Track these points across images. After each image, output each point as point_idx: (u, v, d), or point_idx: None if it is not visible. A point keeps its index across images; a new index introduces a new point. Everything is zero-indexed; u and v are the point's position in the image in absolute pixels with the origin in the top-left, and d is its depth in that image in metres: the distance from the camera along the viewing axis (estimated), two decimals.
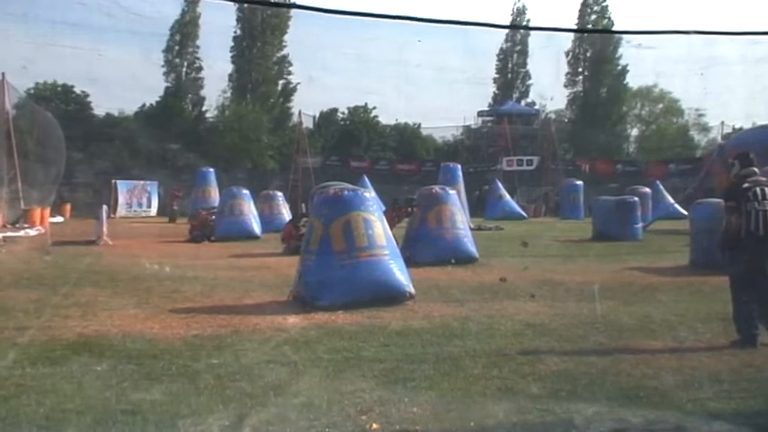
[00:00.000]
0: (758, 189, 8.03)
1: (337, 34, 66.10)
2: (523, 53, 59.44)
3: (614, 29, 57.64)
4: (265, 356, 7.33)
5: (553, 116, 58.93)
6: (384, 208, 16.20)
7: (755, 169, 8.29)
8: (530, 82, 59.72)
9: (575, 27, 58.46)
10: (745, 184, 8.09)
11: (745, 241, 7.93)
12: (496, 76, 59.17)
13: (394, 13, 7.49)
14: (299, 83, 54.21)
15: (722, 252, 8.40)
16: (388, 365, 6.94)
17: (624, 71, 56.57)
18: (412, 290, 10.62)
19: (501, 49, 59.13)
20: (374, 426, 5.26)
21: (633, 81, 57.57)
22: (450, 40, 58.82)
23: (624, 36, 57.58)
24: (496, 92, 59.33)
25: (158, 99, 51.50)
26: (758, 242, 7.91)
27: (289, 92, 54.69)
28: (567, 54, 57.61)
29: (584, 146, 53.73)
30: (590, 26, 55.59)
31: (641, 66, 66.21)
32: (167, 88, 51.93)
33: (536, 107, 59.10)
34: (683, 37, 7.66)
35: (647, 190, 33.95)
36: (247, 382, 6.33)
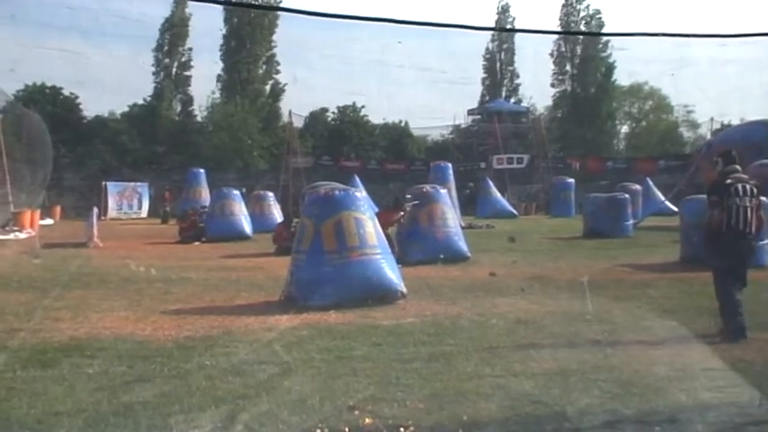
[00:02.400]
0: (740, 186, 8.38)
1: (321, 35, 66.30)
2: (510, 51, 59.59)
3: (599, 30, 57.56)
4: (257, 357, 7.32)
5: (543, 112, 59.11)
6: (376, 208, 16.20)
7: (738, 167, 8.64)
8: (518, 81, 59.99)
9: (558, 27, 58.69)
10: (728, 181, 8.42)
11: (727, 235, 8.28)
12: (484, 75, 59.30)
13: (374, 15, 7.41)
14: (285, 84, 54.26)
15: (705, 246, 8.71)
16: (381, 364, 6.94)
17: (612, 68, 56.74)
18: (403, 288, 10.63)
19: (487, 49, 59.34)
20: (367, 421, 5.27)
21: (621, 78, 57.89)
22: (430, 41, 59.22)
23: (610, 38, 57.52)
24: (484, 92, 59.49)
25: (147, 99, 51.31)
26: (738, 236, 8.29)
27: (277, 92, 54.65)
28: (551, 54, 57.87)
29: (574, 143, 53.85)
30: (574, 25, 55.87)
31: (628, 63, 66.69)
32: (156, 89, 51.77)
33: (524, 105, 59.24)
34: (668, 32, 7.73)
35: (638, 187, 34.08)
36: (239, 381, 6.31)
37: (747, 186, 8.41)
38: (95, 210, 23.98)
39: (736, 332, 7.92)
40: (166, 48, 52.32)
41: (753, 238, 8.56)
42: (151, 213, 41.25)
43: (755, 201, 8.44)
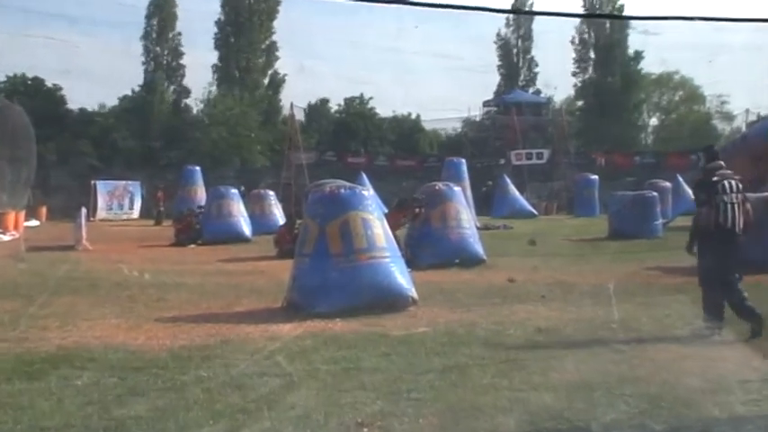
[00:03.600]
0: (726, 182, 8.80)
1: (327, 20, 66.23)
2: (528, 38, 59.50)
3: (623, 14, 57.40)
4: (258, 368, 7.33)
5: (564, 104, 58.97)
6: (384, 208, 16.22)
7: (721, 162, 9.09)
8: (536, 69, 59.88)
9: (581, 11, 58.48)
10: (715, 178, 8.85)
11: (715, 233, 8.70)
12: (500, 63, 59.18)
13: None
14: (286, 74, 54.29)
15: (691, 244, 9.08)
16: (390, 376, 6.95)
17: (639, 56, 56.58)
18: (415, 294, 10.63)
19: (501, 35, 59.25)
20: None
21: (649, 67, 57.72)
22: (448, 26, 58.87)
23: (631, 22, 57.37)
24: (501, 82, 59.37)
25: (137, 90, 51.31)
26: (726, 233, 8.70)
27: (278, 82, 54.66)
28: (573, 40, 57.72)
29: (599, 137, 53.71)
30: (598, 11, 55.63)
31: (657, 50, 66.43)
32: (146, 78, 51.80)
33: (544, 95, 59.09)
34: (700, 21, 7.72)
35: (667, 184, 33.93)
36: (239, 395, 6.33)
37: (733, 182, 8.82)
38: (84, 210, 24.05)
39: (712, 330, 8.50)
40: (155, 35, 52.34)
41: (741, 234, 8.84)
42: (144, 214, 41.39)
43: (741, 196, 8.83)
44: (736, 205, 8.74)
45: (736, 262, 8.81)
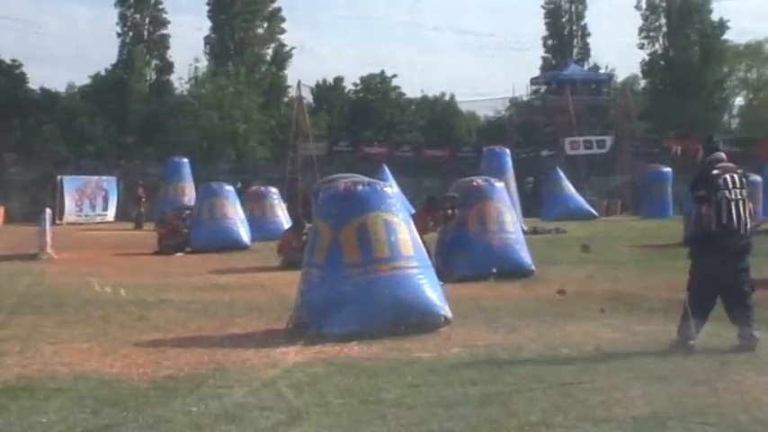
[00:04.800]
0: (728, 176, 9.10)
1: None
2: (581, 1, 59.40)
3: None
4: (258, 400, 7.35)
5: (628, 82, 58.75)
6: (411, 208, 16.20)
7: (722, 154, 9.46)
8: (589, 40, 59.76)
9: None
10: (714, 171, 9.15)
11: (717, 234, 8.99)
12: (546, 34, 59.05)
13: None
14: (293, 48, 54.33)
15: (690, 245, 9.58)
16: (419, 412, 6.94)
17: (723, 24, 56.23)
18: (448, 312, 10.62)
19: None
20: None
21: (733, 36, 57.42)
22: None
23: None
24: (548, 56, 59.21)
25: (111, 66, 51.44)
26: (730, 235, 8.99)
27: (283, 57, 54.71)
28: (638, 5, 57.53)
29: (671, 121, 53.44)
30: None
31: (742, 17, 66.04)
32: (123, 53, 51.97)
33: (604, 70, 58.84)
34: None
35: (757, 178, 33.60)
36: None
37: (736, 176, 9.14)
38: (49, 212, 24.21)
39: (681, 344, 8.98)
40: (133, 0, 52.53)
41: (747, 235, 9.12)
42: (120, 216, 41.63)
43: (745, 192, 9.18)
44: (740, 202, 9.01)
45: (746, 269, 9.14)
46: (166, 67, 53.93)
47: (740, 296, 9.12)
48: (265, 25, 54.25)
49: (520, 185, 32.86)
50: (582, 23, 59.62)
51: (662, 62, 57.21)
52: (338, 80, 55.01)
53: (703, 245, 9.22)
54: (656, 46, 57.86)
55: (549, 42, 59.44)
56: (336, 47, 73.37)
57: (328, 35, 78.62)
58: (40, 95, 49.84)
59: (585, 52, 59.92)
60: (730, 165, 9.32)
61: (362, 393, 7.53)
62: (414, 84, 60.80)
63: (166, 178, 38.06)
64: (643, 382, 7.81)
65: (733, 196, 8.99)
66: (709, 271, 9.04)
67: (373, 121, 53.07)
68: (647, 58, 58.12)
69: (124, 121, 49.49)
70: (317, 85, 54.23)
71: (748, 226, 9.08)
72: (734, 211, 8.96)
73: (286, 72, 54.15)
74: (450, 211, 16.39)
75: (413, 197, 27.03)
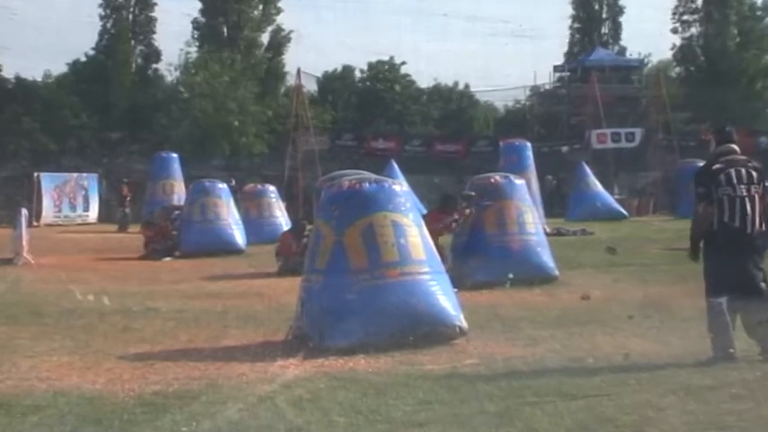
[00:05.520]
0: (732, 171, 9.07)
1: None
2: None
3: None
4: (254, 418, 7.37)
5: (661, 69, 58.64)
6: (423, 209, 16.18)
7: (734, 146, 9.40)
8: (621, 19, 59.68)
9: None
10: (716, 165, 9.18)
11: (719, 235, 8.97)
12: (572, 16, 59.03)
13: None
14: (291, 31, 54.30)
15: (694, 249, 9.44)
16: (431, 429, 6.96)
17: (765, 7, 56.17)
18: (463, 322, 10.62)
19: None
20: None
21: None
22: None
23: None
24: (573, 41, 59.14)
25: (93, 52, 51.43)
26: (734, 236, 8.93)
27: (281, 42, 54.68)
28: None
29: (709, 111, 53.26)
30: None
31: None
32: (105, 37, 51.94)
33: (635, 56, 58.77)
34: None
35: None
36: None
37: (743, 171, 9.05)
38: (24, 212, 24.27)
39: (720, 357, 8.80)
40: None
41: (757, 236, 8.95)
42: (103, 217, 41.67)
43: (757, 188, 9.02)
44: (747, 199, 8.92)
45: (758, 269, 9.00)
46: (153, 54, 53.87)
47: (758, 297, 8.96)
48: (261, 7, 54.18)
49: (542, 182, 32.81)
50: (608, 5, 59.52)
51: (698, 48, 57.09)
52: (347, 68, 54.86)
53: (707, 246, 9.18)
54: (692, 30, 57.81)
55: (575, 25, 59.33)
56: (337, 33, 73.25)
57: (329, 21, 78.67)
58: (15, 85, 49.85)
59: (616, 34, 59.80)
60: (741, 158, 9.27)
61: (369, 411, 7.54)
62: (423, 73, 60.71)
63: (153, 175, 37.91)
64: (678, 397, 7.81)
65: (738, 193, 8.93)
66: (717, 277, 9.00)
67: (382, 112, 52.99)
68: (679, 42, 58.08)
69: (107, 111, 49.45)
70: (324, 76, 54.12)
71: (757, 225, 8.94)
72: (738, 210, 8.89)
73: (284, 58, 54.19)
74: (466, 211, 16.39)
75: (423, 196, 27.00)
